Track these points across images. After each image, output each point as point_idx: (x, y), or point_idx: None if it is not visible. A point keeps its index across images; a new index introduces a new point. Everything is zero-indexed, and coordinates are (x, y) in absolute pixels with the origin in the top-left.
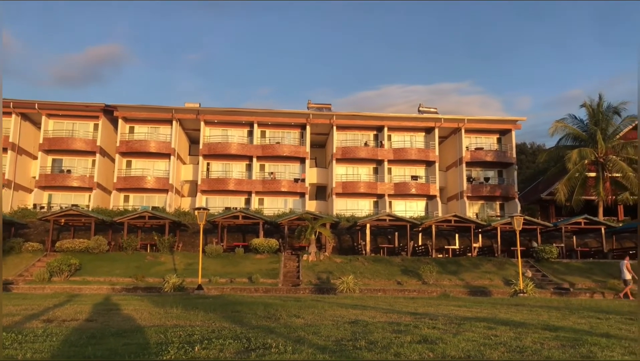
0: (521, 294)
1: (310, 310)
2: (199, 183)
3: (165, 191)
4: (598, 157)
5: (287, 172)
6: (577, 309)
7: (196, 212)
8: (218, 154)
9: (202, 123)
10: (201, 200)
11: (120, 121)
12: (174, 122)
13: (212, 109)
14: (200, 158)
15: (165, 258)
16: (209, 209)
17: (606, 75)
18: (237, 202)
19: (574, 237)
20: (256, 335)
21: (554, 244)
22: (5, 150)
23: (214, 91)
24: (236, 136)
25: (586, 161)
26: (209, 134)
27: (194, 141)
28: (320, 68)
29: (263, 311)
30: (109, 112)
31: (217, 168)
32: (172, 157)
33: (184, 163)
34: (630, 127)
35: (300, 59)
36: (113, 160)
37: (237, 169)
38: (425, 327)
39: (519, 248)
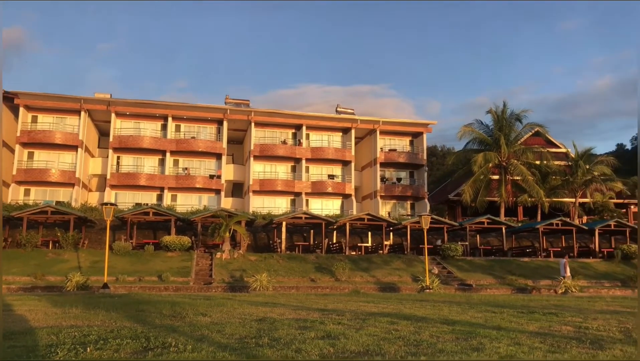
0: (427, 290)
1: (219, 308)
2: (108, 177)
3: (72, 185)
4: (501, 161)
5: (202, 168)
6: (476, 304)
7: (103, 207)
8: (129, 147)
9: (113, 115)
10: (110, 195)
11: (21, 109)
12: (83, 112)
13: (124, 101)
14: (110, 151)
15: (69, 255)
16: (117, 205)
17: (510, 84)
18: (149, 198)
19: (478, 236)
20: (157, 334)
21: (459, 243)
22: None
23: (128, 83)
24: (149, 130)
25: (490, 165)
26: (120, 127)
27: (103, 133)
28: (239, 64)
29: (169, 310)
30: (9, 100)
31: (128, 162)
32: (79, 149)
33: (93, 156)
34: (530, 133)
35: (218, 54)
36: (13, 151)
37: (149, 164)
38: (330, 323)
39: (426, 246)
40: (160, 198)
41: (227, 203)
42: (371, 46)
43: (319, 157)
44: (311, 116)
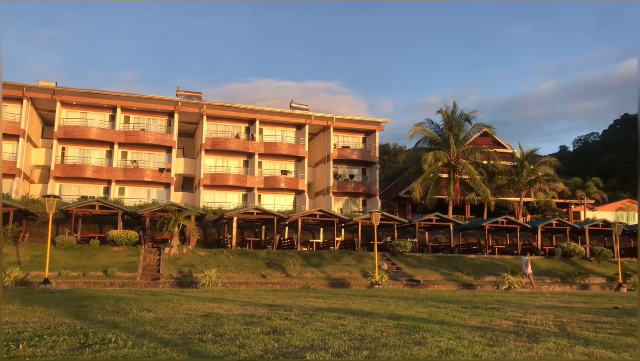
0: (376, 286)
1: (165, 304)
2: (52, 168)
3: (12, 176)
4: (450, 160)
5: (151, 161)
6: (423, 299)
7: (46, 200)
8: (75, 138)
9: (59, 104)
10: (54, 187)
11: None
12: (25, 101)
13: (71, 90)
14: (55, 142)
15: (8, 249)
16: (60, 197)
17: (461, 85)
18: (95, 191)
19: (427, 233)
20: (97, 330)
21: (408, 239)
22: None
23: (74, 72)
24: (97, 120)
25: (440, 163)
26: (65, 117)
27: (48, 123)
28: (191, 56)
29: (113, 305)
30: None
31: (74, 153)
32: (21, 139)
33: (35, 146)
34: (479, 134)
35: (169, 45)
36: None
37: (96, 156)
38: (277, 318)
39: (376, 242)
40: (107, 191)
41: (177, 197)
42: (324, 43)
43: (272, 153)
44: (265, 111)
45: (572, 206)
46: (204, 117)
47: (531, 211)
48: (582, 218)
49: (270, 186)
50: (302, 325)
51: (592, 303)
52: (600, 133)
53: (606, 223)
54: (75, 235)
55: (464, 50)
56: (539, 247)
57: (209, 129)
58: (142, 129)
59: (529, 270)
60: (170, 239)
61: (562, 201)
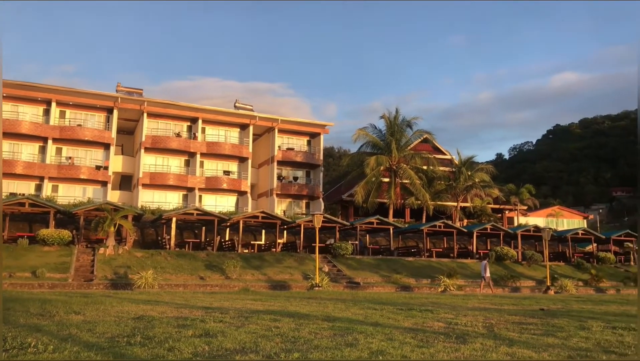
0: (317, 288)
1: (95, 306)
2: None
3: None
4: (392, 165)
5: (88, 158)
6: (360, 301)
7: None
8: (5, 132)
9: None
10: None
11: None
12: None
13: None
14: None
15: None
16: None
17: (403, 91)
18: (26, 188)
19: (367, 235)
20: (18, 334)
21: (350, 242)
22: None
23: (6, 63)
24: (29, 114)
25: (382, 168)
26: None
27: None
28: (132, 51)
29: (38, 308)
30: None
31: (4, 148)
32: None
33: None
34: (420, 140)
35: (109, 39)
36: None
37: (28, 151)
38: (212, 321)
39: (317, 245)
40: (39, 188)
41: (114, 196)
42: (270, 45)
43: (214, 153)
44: (208, 110)
45: (506, 212)
46: (145, 115)
47: (468, 216)
48: (516, 223)
49: (212, 187)
50: (236, 327)
51: (521, 305)
52: (534, 142)
53: (537, 229)
54: (1, 234)
55: (405, 58)
56: (474, 251)
57: (149, 127)
58: (79, 125)
59: (487, 274)
60: (106, 240)
61: (497, 206)
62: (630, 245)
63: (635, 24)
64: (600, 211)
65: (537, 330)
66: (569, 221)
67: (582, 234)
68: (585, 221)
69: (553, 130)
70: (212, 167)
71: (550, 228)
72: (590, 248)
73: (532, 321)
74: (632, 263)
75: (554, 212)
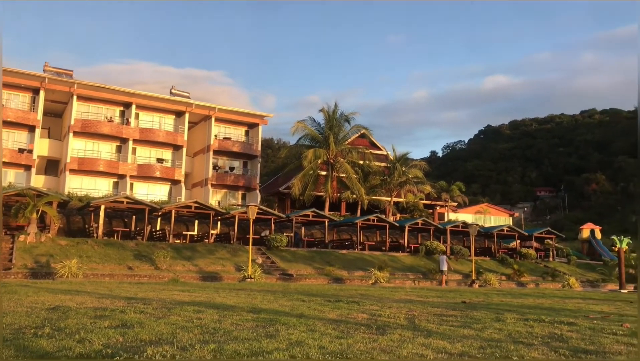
0: (249, 280)
1: (8, 296)
2: None
3: None
4: (329, 159)
5: (10, 140)
6: (290, 293)
7: None
8: None
9: None
10: None
11: None
12: None
13: None
14: None
15: None
16: None
17: (341, 87)
18: None
19: (303, 228)
20: None
21: (285, 234)
22: None
23: None
24: None
25: (319, 161)
26: None
27: None
28: (62, 29)
29: None
30: None
31: None
32: None
33: None
34: (357, 135)
35: (34, 13)
36: None
37: None
38: (132, 312)
39: (251, 236)
40: None
41: (39, 181)
42: (209, 31)
43: (148, 139)
44: (143, 95)
45: (438, 208)
46: (74, 97)
47: (401, 211)
48: (446, 219)
49: (145, 175)
50: (157, 318)
51: (445, 297)
52: (466, 142)
53: (465, 224)
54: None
55: (344, 54)
56: (405, 244)
57: (79, 110)
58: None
59: (446, 268)
60: (27, 226)
61: (429, 202)
62: (550, 242)
63: (558, 33)
64: (525, 209)
65: (455, 321)
66: (496, 218)
67: (507, 230)
68: (511, 218)
69: (484, 130)
70: (145, 155)
71: (477, 224)
72: (514, 244)
73: (452, 313)
74: (550, 259)
75: (482, 209)
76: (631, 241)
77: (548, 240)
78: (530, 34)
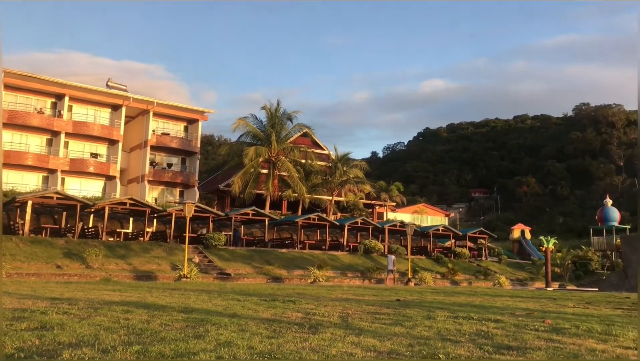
0: (184, 279)
1: None
2: None
3: None
4: (271, 157)
5: None
6: (226, 292)
7: None
8: None
9: None
10: None
11: None
12: None
13: None
14: None
15: None
16: None
17: (284, 84)
18: None
19: (242, 226)
20: None
21: (224, 233)
22: None
23: None
24: None
25: (261, 159)
26: None
27: None
28: None
29: None
30: None
31: None
32: None
33: None
34: (299, 134)
35: None
36: None
37: None
38: (54, 313)
39: (188, 234)
40: None
41: None
42: (148, 23)
43: (82, 133)
44: (77, 87)
45: (377, 207)
46: (1, 86)
47: (341, 210)
48: (385, 218)
49: (77, 170)
50: (80, 319)
51: (381, 295)
52: (405, 143)
53: (402, 224)
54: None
55: (287, 52)
56: (345, 243)
57: (7, 100)
58: None
59: (393, 267)
60: None
61: (369, 202)
62: (483, 242)
63: (492, 40)
64: (460, 209)
65: (388, 319)
66: (433, 218)
67: (442, 230)
68: (446, 218)
69: (423, 133)
70: (79, 149)
71: (414, 224)
72: (449, 243)
73: (386, 312)
74: (483, 258)
75: (420, 209)
76: (557, 242)
77: (481, 240)
78: (465, 40)
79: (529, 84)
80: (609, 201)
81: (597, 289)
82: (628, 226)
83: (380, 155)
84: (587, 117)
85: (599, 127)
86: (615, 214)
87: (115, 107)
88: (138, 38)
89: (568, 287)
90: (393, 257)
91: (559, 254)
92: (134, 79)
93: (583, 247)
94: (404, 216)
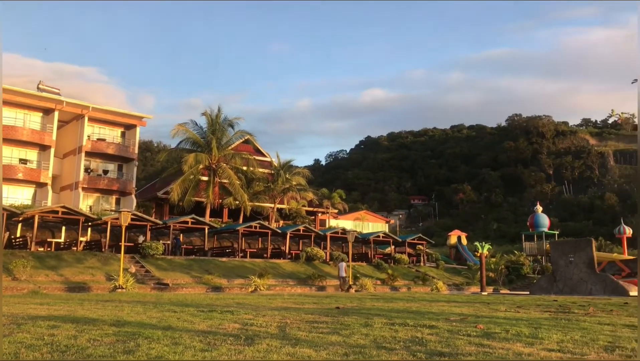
0: (120, 290)
1: None
2: None
3: None
4: (211, 164)
5: None
6: (163, 303)
7: None
8: None
9: None
10: None
11: None
12: None
13: None
14: None
15: None
16: None
17: (225, 91)
18: None
19: (181, 235)
20: None
21: (161, 241)
22: None
23: None
24: None
25: (201, 166)
26: None
27: None
28: None
29: None
30: None
31: None
32: None
33: None
34: (241, 140)
35: None
36: None
37: None
38: None
39: (123, 244)
40: None
41: None
42: (84, 23)
43: (10, 138)
44: (4, 89)
45: (319, 214)
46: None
47: (284, 217)
48: (327, 226)
49: (5, 176)
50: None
51: (321, 303)
52: (348, 151)
53: (344, 231)
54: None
55: (228, 57)
56: (287, 251)
57: None
58: None
59: (345, 274)
60: None
61: (311, 209)
62: (422, 248)
63: (430, 52)
64: (400, 216)
65: (326, 328)
66: (374, 225)
67: (382, 237)
68: (387, 225)
69: (365, 141)
70: (6, 155)
71: (355, 231)
72: (389, 249)
73: (324, 320)
74: (422, 264)
75: (361, 216)
76: (491, 247)
77: (420, 246)
78: (404, 52)
79: (465, 95)
80: (539, 208)
81: (528, 292)
82: (557, 232)
83: (323, 163)
84: (519, 127)
85: (530, 137)
86: (545, 220)
87: (47, 111)
88: (71, 39)
89: (502, 291)
90: (344, 264)
91: (493, 259)
92: (67, 81)
93: (515, 252)
94: (345, 223)
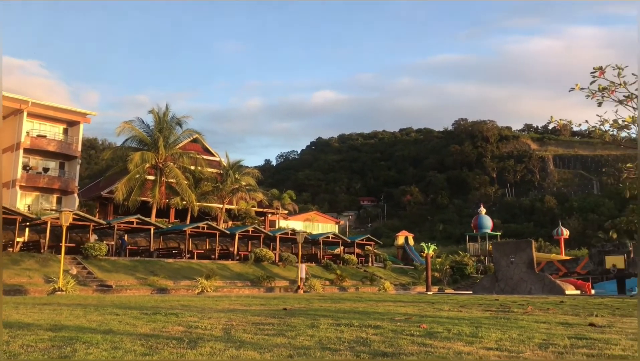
0: (59, 293)
1: None
2: None
3: None
4: (158, 163)
5: None
6: (105, 306)
7: None
8: None
9: None
10: None
11: None
12: None
13: None
14: None
15: None
16: None
17: (173, 88)
18: None
19: (126, 235)
20: None
21: (105, 242)
22: None
23: None
24: None
25: (147, 165)
26: None
27: None
28: None
29: None
30: None
31: None
32: None
33: None
34: (189, 139)
35: None
36: None
37: None
38: None
39: (64, 245)
40: None
41: None
42: (23, 13)
43: None
44: None
45: (269, 215)
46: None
47: (233, 218)
48: (277, 226)
49: None
50: None
51: (269, 305)
52: (299, 152)
53: (294, 232)
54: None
55: (176, 54)
56: (235, 252)
57: None
58: None
59: (304, 275)
60: None
61: (261, 210)
62: (370, 248)
63: (380, 55)
64: (350, 217)
65: (272, 330)
66: (324, 226)
67: (332, 238)
68: (337, 226)
69: (315, 142)
70: None
71: (305, 232)
72: (338, 250)
73: (271, 322)
74: (370, 264)
75: (311, 217)
76: (437, 248)
77: (368, 246)
78: (355, 55)
79: (414, 99)
80: (483, 210)
81: (471, 292)
82: (499, 233)
83: (274, 163)
84: (465, 131)
85: (475, 142)
86: (488, 222)
87: None
88: (8, 30)
89: (446, 291)
90: (304, 265)
91: (439, 259)
92: (4, 74)
93: (460, 252)
94: (296, 224)
